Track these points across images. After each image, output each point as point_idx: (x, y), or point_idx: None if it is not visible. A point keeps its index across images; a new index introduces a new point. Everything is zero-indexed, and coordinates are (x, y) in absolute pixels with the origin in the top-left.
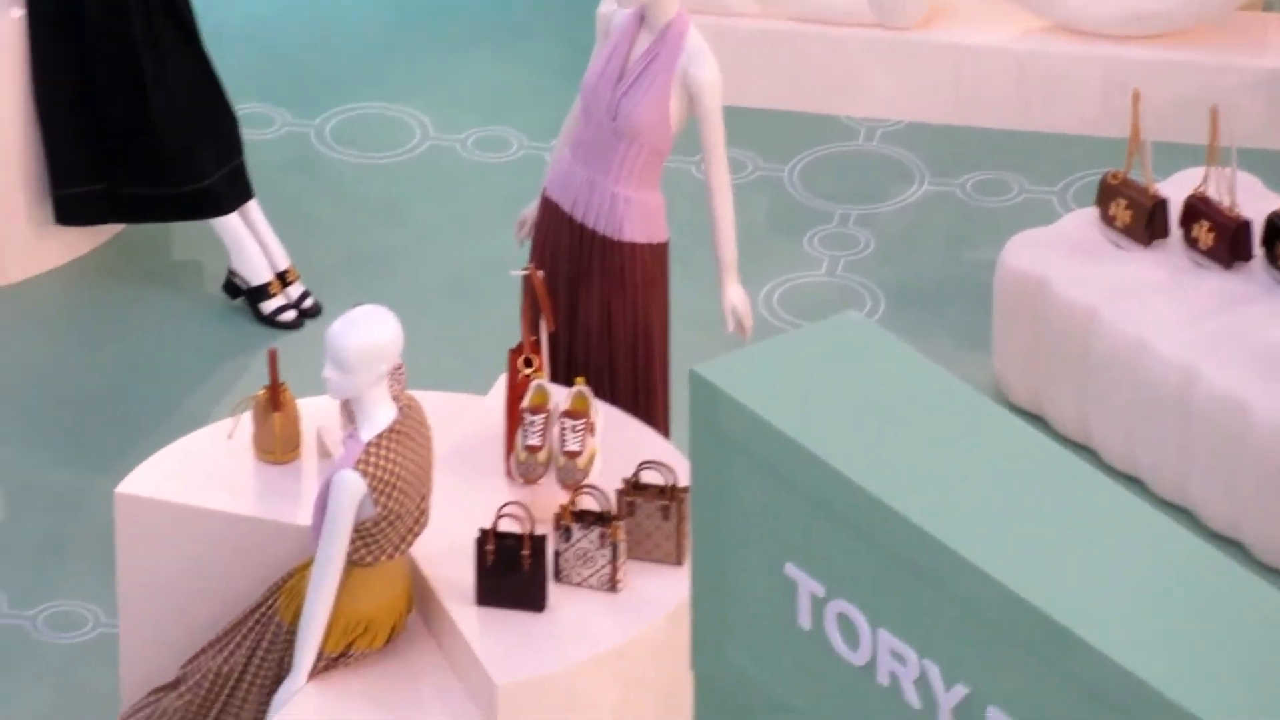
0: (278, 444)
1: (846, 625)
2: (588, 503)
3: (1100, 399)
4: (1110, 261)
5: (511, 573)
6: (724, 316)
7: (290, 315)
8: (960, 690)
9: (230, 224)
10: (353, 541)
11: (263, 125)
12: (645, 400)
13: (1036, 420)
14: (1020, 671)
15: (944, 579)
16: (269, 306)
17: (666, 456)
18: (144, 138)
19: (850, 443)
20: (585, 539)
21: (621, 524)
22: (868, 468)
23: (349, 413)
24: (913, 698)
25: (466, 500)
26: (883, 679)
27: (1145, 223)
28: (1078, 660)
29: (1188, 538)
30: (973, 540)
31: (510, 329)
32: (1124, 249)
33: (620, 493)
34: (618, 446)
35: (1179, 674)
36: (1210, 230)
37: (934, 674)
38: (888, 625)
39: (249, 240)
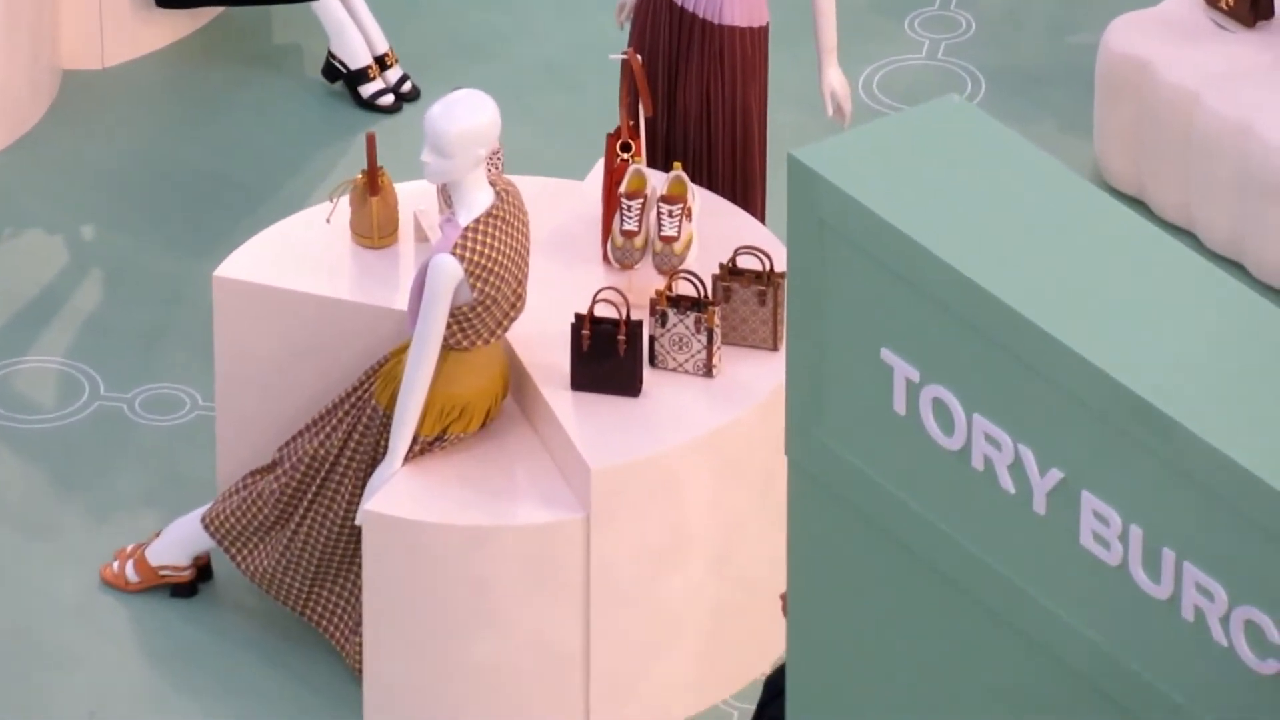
0: (375, 228)
1: (941, 410)
2: (684, 288)
3: (1202, 182)
4: (1214, 44)
5: (607, 358)
6: (823, 100)
7: (389, 99)
8: (1055, 475)
9: (330, 7)
10: (449, 326)
11: None
12: (743, 185)
13: (1137, 204)
14: (1116, 457)
15: (1040, 364)
16: (368, 90)
17: (763, 242)
18: None
19: (949, 227)
20: (681, 324)
21: (717, 309)
22: (966, 252)
23: (446, 197)
24: (1007, 482)
25: (563, 285)
26: (977, 463)
27: (1250, 4)
28: (1175, 446)
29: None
30: (1070, 325)
31: (609, 114)
32: (1228, 31)
33: (716, 278)
34: (715, 231)
35: (1273, 456)
36: None
37: (1029, 459)
38: (983, 410)
39: (348, 24)
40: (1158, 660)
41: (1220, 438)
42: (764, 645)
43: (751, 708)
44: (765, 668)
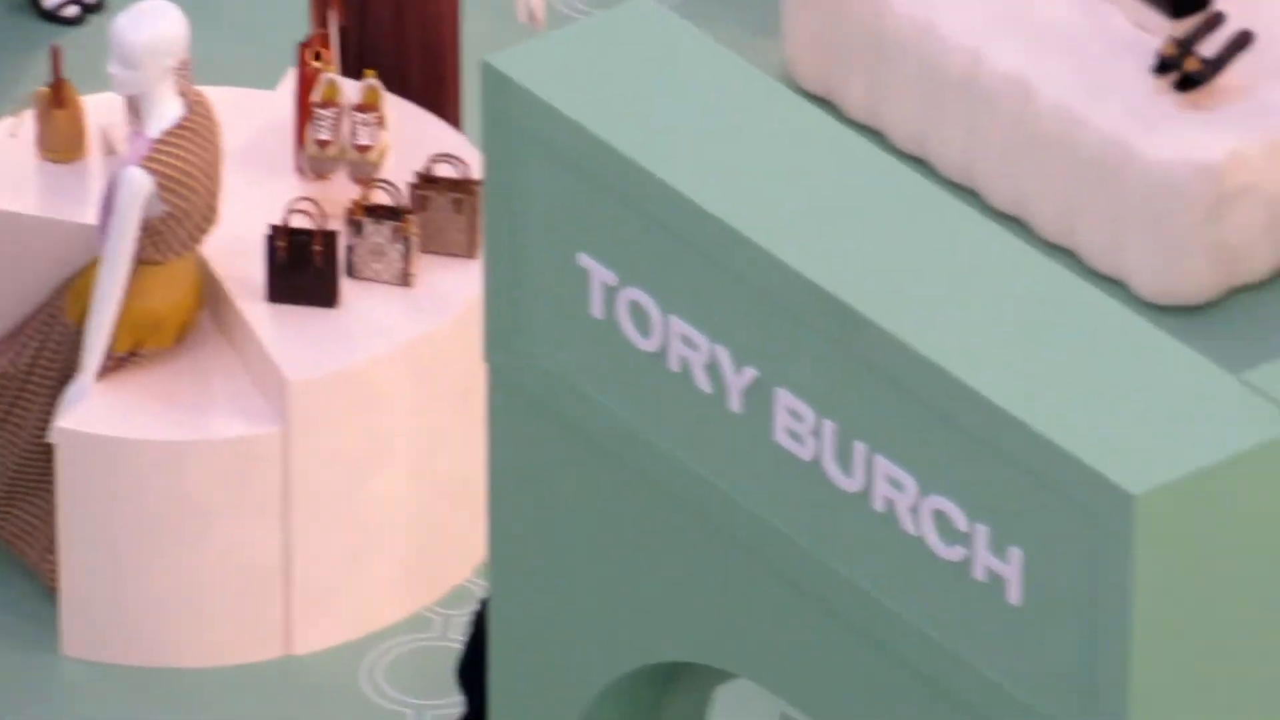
0: (62, 142)
1: (638, 312)
2: (380, 197)
3: (889, 82)
4: None
5: (303, 268)
6: (515, 6)
7: (73, 10)
8: (750, 373)
9: None
10: (140, 239)
11: None
12: (437, 93)
13: (827, 104)
14: (808, 354)
15: (731, 262)
16: (51, 1)
17: (459, 149)
18: None
19: (643, 131)
20: (377, 233)
21: (414, 218)
22: (660, 155)
23: (135, 110)
24: (704, 382)
25: (257, 197)
26: (674, 365)
27: None
28: (863, 340)
29: (973, 217)
30: (759, 223)
31: (299, 22)
32: None
33: (413, 186)
34: (410, 140)
35: (964, 351)
36: None
37: (724, 358)
38: (679, 311)
39: None
40: (849, 551)
41: (905, 330)
42: (466, 552)
43: (455, 613)
44: (468, 573)
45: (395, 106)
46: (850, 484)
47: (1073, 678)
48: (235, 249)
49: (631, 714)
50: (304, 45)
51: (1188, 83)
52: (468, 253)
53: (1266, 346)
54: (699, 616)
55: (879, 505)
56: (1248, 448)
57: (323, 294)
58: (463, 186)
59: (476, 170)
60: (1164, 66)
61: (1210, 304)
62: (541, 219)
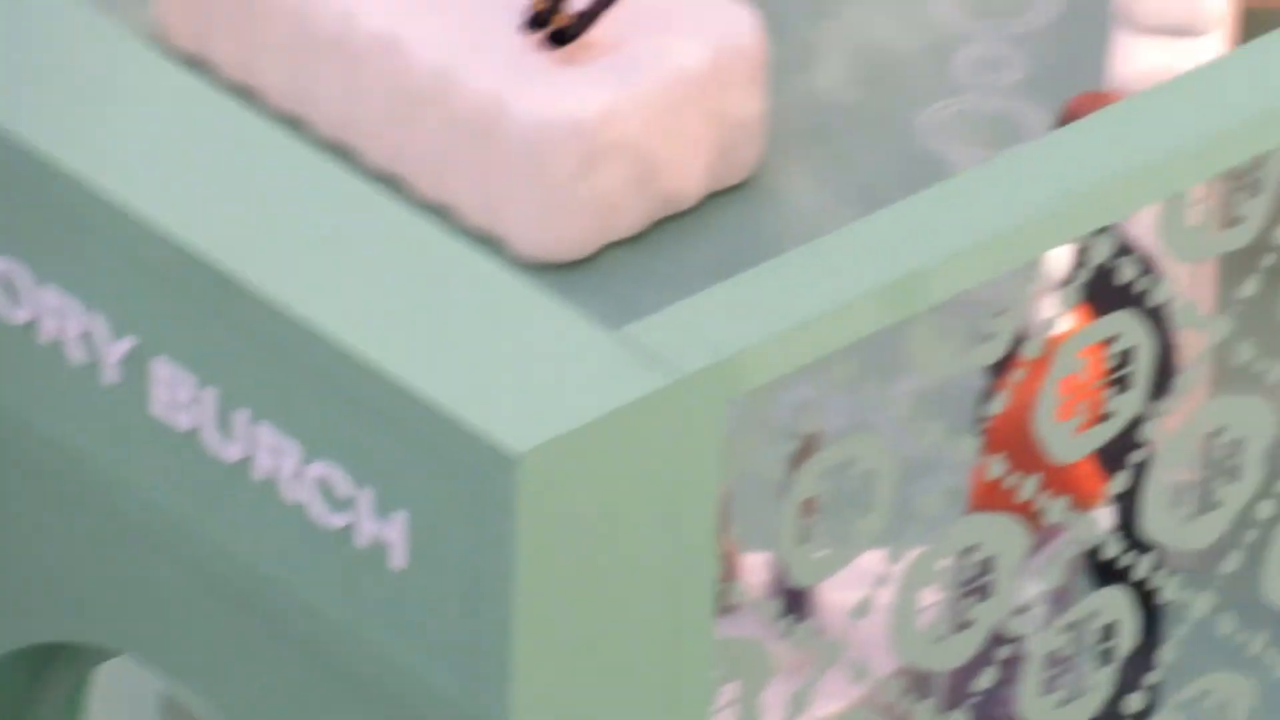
0: None
1: (8, 283)
2: None
3: (262, 42)
4: None
5: None
6: None
7: None
8: (127, 342)
9: None
10: None
11: None
12: None
13: (200, 65)
14: (187, 322)
15: (105, 230)
16: None
17: None
18: None
19: (10, 98)
20: None
21: None
22: (19, 117)
23: None
24: (77, 353)
25: None
26: (46, 336)
27: None
28: (238, 305)
29: (348, 177)
30: (132, 189)
31: None
32: None
33: None
34: None
35: (340, 314)
36: None
37: (100, 327)
38: (53, 279)
39: None
40: (231, 523)
41: (281, 294)
42: None
43: None
44: None
45: None
46: (231, 453)
47: (458, 645)
48: None
49: (1, 701)
50: None
51: (559, 38)
52: None
53: (642, 301)
54: (79, 595)
55: (261, 474)
56: (628, 402)
57: None
58: None
59: None
60: (535, 22)
61: (586, 260)
62: None
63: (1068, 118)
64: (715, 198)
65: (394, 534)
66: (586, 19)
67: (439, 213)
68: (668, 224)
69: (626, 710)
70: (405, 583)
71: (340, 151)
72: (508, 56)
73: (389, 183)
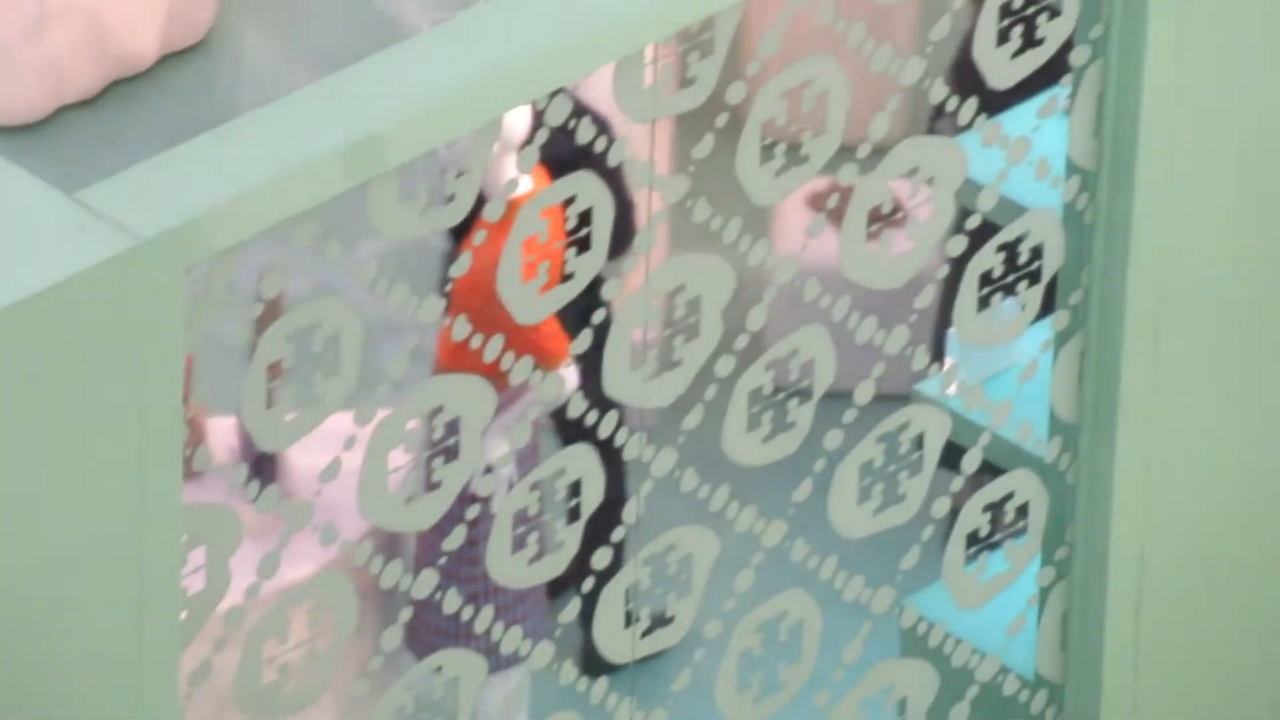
0: None
1: None
2: None
3: None
4: None
5: None
6: None
7: None
8: None
9: None
10: None
11: None
12: None
13: None
14: None
15: None
16: None
17: None
18: None
19: None
20: None
21: None
22: None
23: None
24: None
25: None
26: None
27: None
28: None
29: None
30: None
31: None
32: None
33: None
34: None
35: None
36: None
37: None
38: None
39: None
40: None
41: None
42: None
43: None
44: None
45: None
46: None
47: None
48: None
49: None
50: None
51: None
52: None
53: (100, 165)
54: None
55: None
56: (87, 267)
57: None
58: None
59: None
60: None
61: (39, 124)
62: None
63: None
64: (171, 59)
65: None
66: None
67: None
68: (122, 86)
69: (94, 576)
70: None
71: None
72: None
73: None
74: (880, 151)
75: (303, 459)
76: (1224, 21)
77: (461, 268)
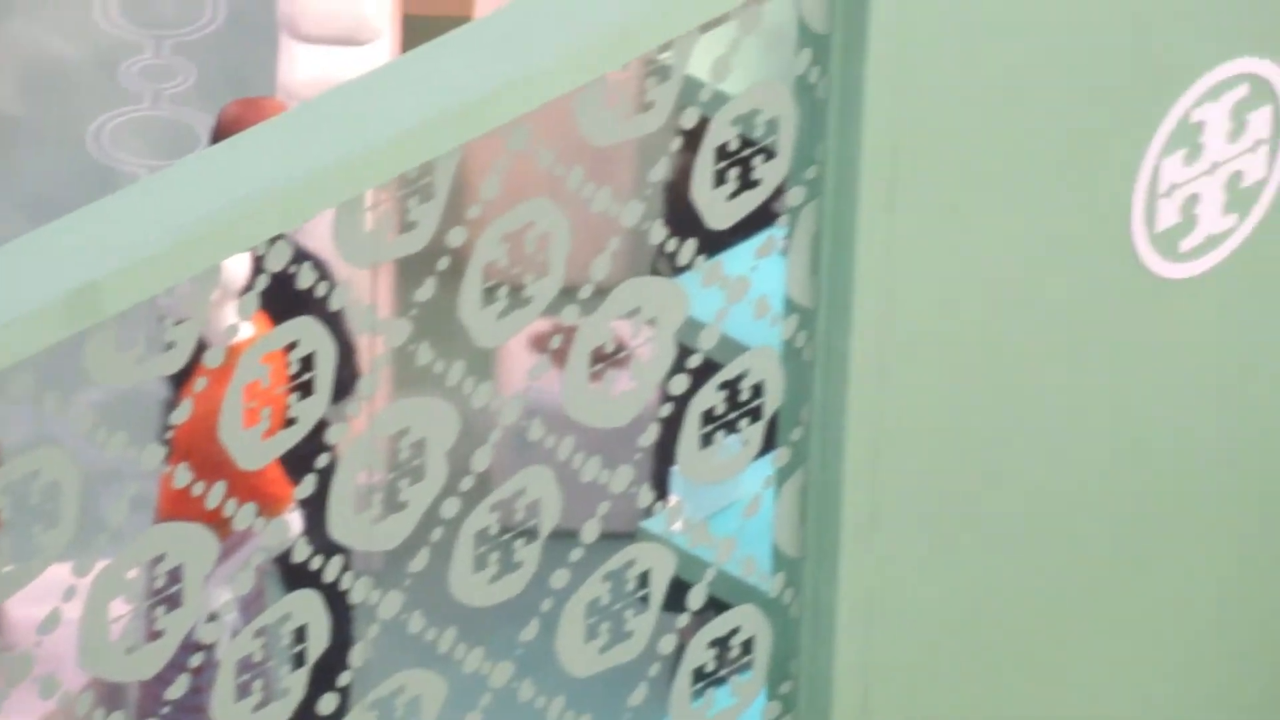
0: None
1: None
2: None
3: None
4: None
5: None
6: None
7: None
8: None
9: None
10: None
11: None
12: None
13: None
14: None
15: None
16: None
17: None
18: None
19: None
20: None
21: None
22: None
23: None
24: None
25: None
26: None
27: None
28: None
29: None
30: None
31: None
32: None
33: None
34: None
35: None
36: None
37: None
38: None
39: None
40: None
41: None
42: None
43: None
44: None
45: None
46: None
47: None
48: None
49: None
50: None
51: None
52: None
53: None
54: None
55: None
56: None
57: None
58: None
59: None
60: None
61: None
62: None
63: (223, 124)
64: None
65: None
66: None
67: None
68: None
69: None
70: None
71: None
72: None
73: None
74: (602, 292)
75: (21, 610)
76: (935, 165)
77: (182, 415)
